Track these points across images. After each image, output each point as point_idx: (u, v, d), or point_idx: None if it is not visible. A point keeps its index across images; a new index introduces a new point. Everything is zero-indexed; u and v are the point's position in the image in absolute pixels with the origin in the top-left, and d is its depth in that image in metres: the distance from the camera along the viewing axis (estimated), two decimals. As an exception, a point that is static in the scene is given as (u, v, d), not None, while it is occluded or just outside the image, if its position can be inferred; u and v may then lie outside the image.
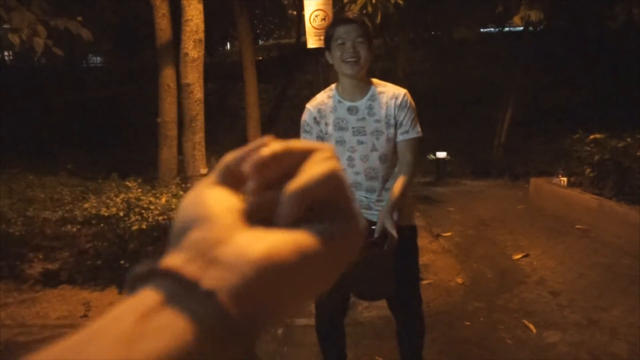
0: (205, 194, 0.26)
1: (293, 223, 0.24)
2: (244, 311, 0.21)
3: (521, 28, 7.34)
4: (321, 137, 1.96)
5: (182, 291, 0.21)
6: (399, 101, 1.87)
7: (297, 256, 0.23)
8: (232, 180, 0.27)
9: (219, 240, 0.23)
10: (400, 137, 1.90)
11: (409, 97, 1.90)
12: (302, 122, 1.97)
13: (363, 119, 1.89)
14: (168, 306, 0.21)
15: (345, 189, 0.26)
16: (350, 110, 1.90)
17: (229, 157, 0.27)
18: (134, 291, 0.22)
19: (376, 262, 1.81)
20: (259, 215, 0.25)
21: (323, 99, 1.96)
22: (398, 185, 1.86)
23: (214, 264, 0.22)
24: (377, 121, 1.88)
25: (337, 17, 1.90)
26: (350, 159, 1.93)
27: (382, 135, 1.89)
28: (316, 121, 1.94)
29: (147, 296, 0.21)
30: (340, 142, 1.92)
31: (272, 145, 0.26)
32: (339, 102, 1.91)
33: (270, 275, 0.22)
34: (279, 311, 0.23)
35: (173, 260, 0.22)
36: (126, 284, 0.23)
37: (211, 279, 0.21)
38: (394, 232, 1.77)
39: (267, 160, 0.26)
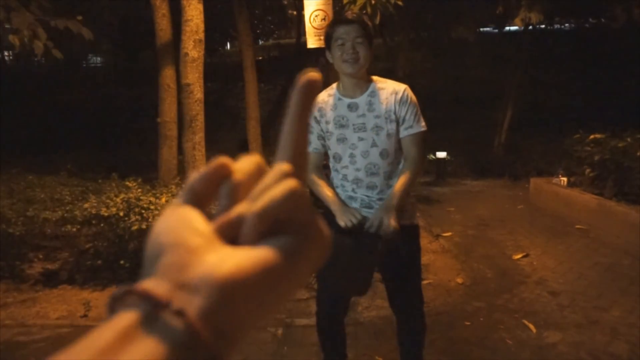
0: (173, 217, 0.27)
1: (257, 240, 0.26)
2: (212, 329, 0.23)
3: (520, 28, 7.33)
4: (322, 137, 1.97)
5: (155, 312, 0.23)
6: (399, 96, 1.87)
7: (262, 273, 0.25)
8: (197, 200, 0.28)
9: (186, 264, 0.24)
10: (404, 133, 1.89)
11: (409, 92, 1.90)
12: None
13: (363, 115, 1.90)
14: (142, 325, 0.22)
15: (306, 205, 0.27)
16: (350, 107, 1.90)
17: (193, 178, 0.28)
18: (113, 313, 0.24)
19: (360, 259, 1.80)
20: (225, 234, 0.27)
21: (323, 97, 1.97)
22: (400, 181, 1.86)
23: (183, 287, 0.24)
24: (377, 117, 1.88)
25: (337, 17, 1.93)
26: (351, 155, 1.94)
27: (382, 130, 1.89)
28: (316, 120, 1.95)
29: (125, 317, 0.23)
30: (341, 139, 1.93)
31: (236, 173, 0.28)
32: (339, 99, 1.92)
33: (236, 294, 0.24)
34: (246, 326, 0.25)
35: (147, 284, 0.24)
36: (107, 306, 0.24)
37: (181, 301, 0.23)
38: (391, 225, 1.75)
39: (233, 187, 0.28)
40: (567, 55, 10.06)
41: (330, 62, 1.93)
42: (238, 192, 0.28)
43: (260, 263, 0.25)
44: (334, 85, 1.99)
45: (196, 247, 0.25)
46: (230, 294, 0.23)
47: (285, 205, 0.26)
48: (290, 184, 0.26)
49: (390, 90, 1.89)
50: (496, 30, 11.11)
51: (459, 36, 7.56)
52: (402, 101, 1.87)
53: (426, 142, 1.95)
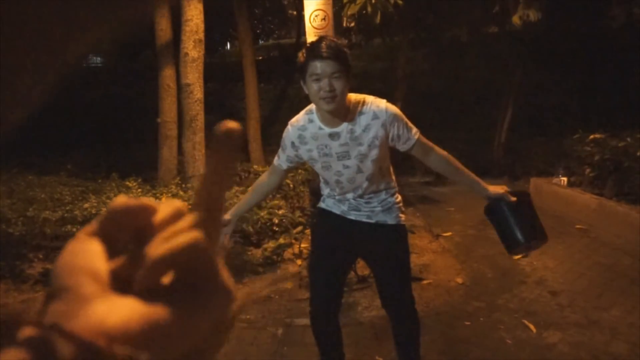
0: (76, 254, 0.26)
1: (151, 286, 0.25)
2: None
3: (519, 26, 7.32)
4: (291, 160, 1.98)
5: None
6: (382, 119, 1.82)
7: (148, 329, 0.24)
8: (107, 235, 0.27)
9: (74, 314, 0.24)
10: (404, 147, 1.89)
11: (391, 109, 1.84)
12: (283, 137, 1.97)
13: (346, 143, 1.85)
14: None
15: (209, 260, 0.27)
16: (332, 136, 1.86)
17: (118, 205, 0.27)
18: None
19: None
20: (123, 273, 0.26)
21: (304, 123, 1.91)
22: (462, 169, 1.98)
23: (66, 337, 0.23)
24: (360, 145, 1.85)
25: (312, 49, 1.74)
26: (337, 182, 1.94)
27: (366, 158, 1.86)
28: (294, 145, 1.93)
29: (14, 355, 0.22)
30: (326, 167, 1.92)
31: (159, 214, 0.28)
32: (320, 128, 1.87)
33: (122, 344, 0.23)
34: None
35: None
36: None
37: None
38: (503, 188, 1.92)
39: (145, 231, 0.27)
40: (567, 55, 10.05)
41: (305, 92, 1.83)
42: (150, 235, 0.27)
43: (146, 320, 0.24)
44: (313, 108, 1.90)
45: (88, 295, 0.24)
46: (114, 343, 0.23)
47: (186, 256, 0.26)
48: (193, 235, 0.26)
49: (370, 114, 1.82)
50: (496, 30, 11.10)
51: (454, 35, 7.54)
52: (388, 122, 1.82)
53: (425, 142, 1.95)
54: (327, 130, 1.86)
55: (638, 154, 4.57)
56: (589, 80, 9.62)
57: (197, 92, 4.50)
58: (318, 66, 1.71)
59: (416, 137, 1.89)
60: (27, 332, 0.23)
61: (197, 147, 4.55)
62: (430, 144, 1.94)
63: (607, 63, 9.52)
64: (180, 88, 4.61)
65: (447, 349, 2.70)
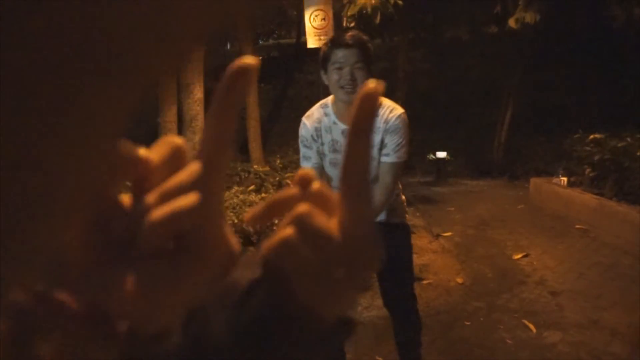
0: None
1: (152, 253, 0.24)
2: None
3: (520, 28, 7.32)
4: (320, 153, 1.94)
5: None
6: (388, 125, 1.82)
7: (149, 298, 0.23)
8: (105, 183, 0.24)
9: (70, 282, 0.23)
10: (382, 158, 1.86)
11: (401, 120, 1.82)
12: (300, 136, 1.94)
13: None
14: None
15: (211, 223, 0.24)
16: (344, 133, 1.85)
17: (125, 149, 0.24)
18: None
19: None
20: (120, 234, 0.24)
21: (320, 116, 1.91)
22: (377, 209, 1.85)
23: None
24: (370, 147, 1.86)
25: (337, 38, 1.79)
26: None
27: (373, 160, 1.85)
28: (314, 139, 1.92)
29: None
30: (334, 164, 1.91)
31: (155, 156, 0.25)
32: (334, 123, 1.87)
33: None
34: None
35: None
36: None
37: None
38: None
39: (143, 176, 0.25)
40: (567, 55, 10.05)
41: (325, 83, 1.85)
42: (149, 180, 0.25)
43: (146, 290, 0.23)
44: (329, 101, 1.91)
45: (84, 262, 0.23)
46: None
47: (184, 221, 0.23)
48: (194, 197, 0.24)
49: (382, 119, 1.82)
50: (496, 30, 11.11)
51: (453, 35, 7.55)
52: (390, 130, 1.82)
53: (401, 171, 1.91)
54: (341, 126, 1.86)
55: (638, 154, 4.57)
56: (589, 80, 9.61)
57: (197, 92, 4.51)
58: (341, 54, 1.73)
59: (396, 160, 1.85)
60: (15, 295, 0.21)
61: (197, 147, 4.55)
62: (394, 179, 1.88)
63: (607, 63, 9.52)
64: (180, 88, 4.61)
65: (447, 349, 2.70)
